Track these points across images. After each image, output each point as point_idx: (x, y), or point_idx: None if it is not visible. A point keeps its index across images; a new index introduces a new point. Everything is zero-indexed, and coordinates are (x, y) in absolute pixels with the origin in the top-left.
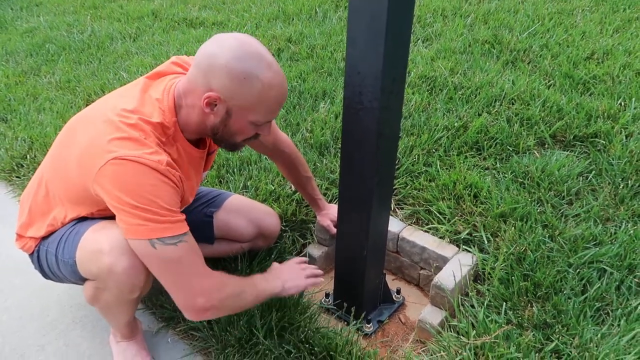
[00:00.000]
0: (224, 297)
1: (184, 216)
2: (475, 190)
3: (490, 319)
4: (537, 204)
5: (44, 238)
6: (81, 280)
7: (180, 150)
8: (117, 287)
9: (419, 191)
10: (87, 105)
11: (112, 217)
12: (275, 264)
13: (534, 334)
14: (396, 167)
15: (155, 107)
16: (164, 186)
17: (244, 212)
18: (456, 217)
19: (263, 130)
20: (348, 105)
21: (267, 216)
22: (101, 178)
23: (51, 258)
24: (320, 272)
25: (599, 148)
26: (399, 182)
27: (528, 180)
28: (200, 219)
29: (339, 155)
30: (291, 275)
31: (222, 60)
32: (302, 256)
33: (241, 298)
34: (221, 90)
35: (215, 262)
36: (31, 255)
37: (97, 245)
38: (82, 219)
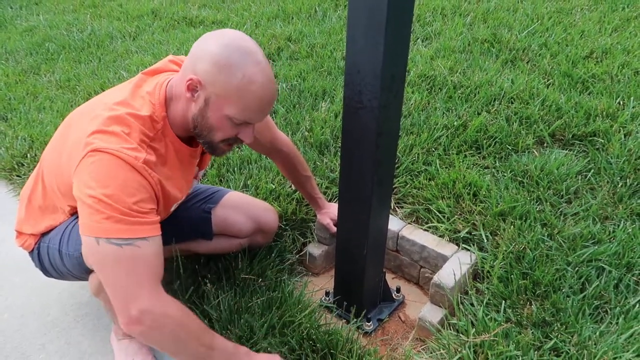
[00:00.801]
0: (162, 324)
1: (152, 219)
2: (475, 189)
3: (489, 317)
4: (536, 202)
5: (44, 234)
6: (85, 273)
7: (169, 146)
8: None
9: (418, 190)
10: None
11: None
12: (260, 356)
13: (533, 332)
14: (396, 166)
15: (146, 101)
16: (136, 184)
17: (242, 207)
18: (456, 216)
19: (243, 134)
20: (348, 104)
21: (266, 212)
22: (78, 169)
23: (54, 253)
24: None
25: (597, 147)
26: (398, 180)
27: (527, 179)
28: (198, 215)
29: (339, 154)
30: None
31: (210, 47)
32: (302, 255)
33: (184, 344)
34: (203, 75)
35: (215, 260)
36: (31, 252)
37: None
38: None
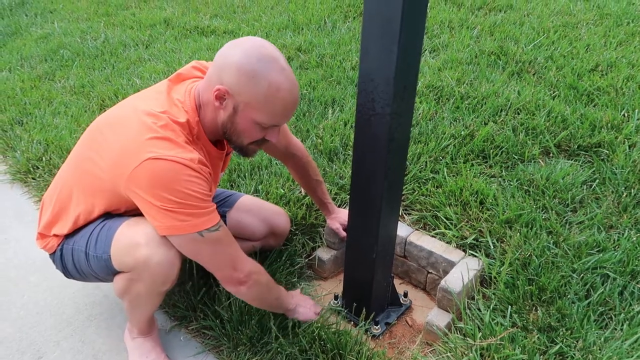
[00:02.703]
0: (258, 279)
1: (214, 205)
2: (482, 196)
3: (495, 321)
4: (542, 211)
5: (68, 236)
6: (110, 275)
7: (203, 150)
8: (151, 278)
9: (426, 197)
10: (101, 109)
11: (139, 214)
12: (297, 291)
13: (538, 337)
14: (405, 173)
15: (180, 108)
16: (198, 180)
17: (255, 211)
18: (462, 223)
19: (270, 135)
20: (361, 111)
21: (278, 215)
22: (136, 177)
23: (79, 255)
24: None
25: (602, 157)
26: (407, 188)
27: (533, 188)
28: None
29: (348, 161)
30: (306, 306)
31: (235, 58)
32: (311, 259)
33: (270, 291)
34: (230, 85)
35: None
36: (53, 254)
37: (134, 239)
38: (108, 216)
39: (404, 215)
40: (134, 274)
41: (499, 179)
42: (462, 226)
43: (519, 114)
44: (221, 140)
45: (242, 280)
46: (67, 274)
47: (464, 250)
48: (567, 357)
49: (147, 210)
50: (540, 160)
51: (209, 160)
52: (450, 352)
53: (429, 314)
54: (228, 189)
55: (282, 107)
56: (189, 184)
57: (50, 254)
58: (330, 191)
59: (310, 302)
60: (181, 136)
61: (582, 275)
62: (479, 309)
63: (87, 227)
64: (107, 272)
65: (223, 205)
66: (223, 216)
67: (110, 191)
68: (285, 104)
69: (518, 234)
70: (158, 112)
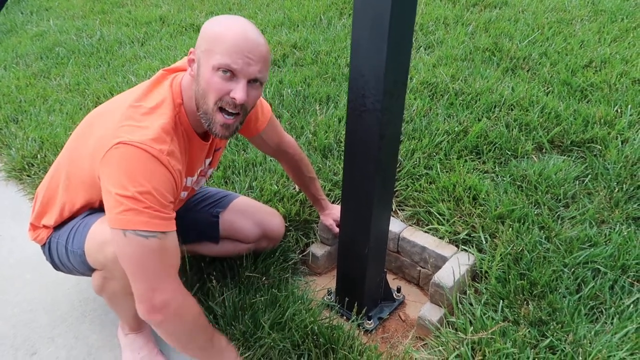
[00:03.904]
0: (178, 313)
1: (170, 215)
2: (475, 192)
3: (487, 316)
4: (534, 206)
5: (55, 229)
6: (89, 270)
7: (183, 134)
8: (123, 276)
9: (419, 193)
10: (96, 107)
11: None
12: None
13: (529, 331)
14: (398, 169)
15: (166, 92)
16: (160, 176)
17: (249, 213)
18: (455, 218)
19: (234, 90)
20: (352, 108)
21: (272, 218)
22: (104, 161)
23: (61, 249)
24: None
25: (595, 153)
26: (400, 184)
27: (526, 183)
28: (206, 219)
29: (342, 157)
30: None
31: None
32: (305, 255)
33: (192, 336)
34: (197, 45)
35: (221, 261)
36: (43, 246)
37: (104, 236)
38: (92, 212)
39: (398, 211)
40: (106, 271)
41: (492, 174)
42: (454, 222)
43: (512, 110)
44: (208, 133)
45: (156, 308)
46: (55, 266)
47: (457, 246)
48: (558, 351)
49: (104, 196)
50: (534, 156)
51: (188, 149)
52: (442, 346)
53: (422, 309)
54: (222, 185)
55: (233, 44)
56: (148, 176)
57: (41, 246)
58: (324, 187)
59: None
60: (157, 123)
61: (573, 269)
62: (470, 304)
63: (71, 221)
64: (85, 268)
65: (217, 206)
66: (216, 217)
67: (89, 180)
68: (239, 41)
69: (510, 229)
70: (140, 99)
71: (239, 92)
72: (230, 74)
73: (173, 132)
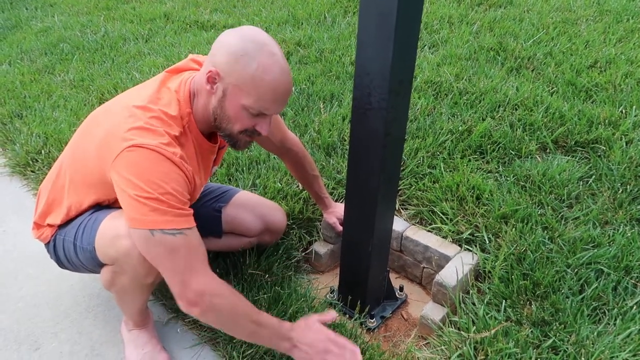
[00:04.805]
0: (213, 303)
1: (190, 211)
2: (478, 192)
3: (490, 315)
4: (538, 206)
5: (61, 227)
6: (98, 267)
7: (194, 141)
8: (133, 271)
9: (423, 192)
10: (100, 103)
11: None
12: (306, 323)
13: (532, 331)
14: (401, 168)
15: (173, 98)
16: (176, 177)
17: (251, 207)
18: (459, 218)
19: (260, 126)
20: (357, 106)
21: (274, 211)
22: (117, 164)
23: (69, 246)
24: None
25: (599, 154)
26: (403, 183)
27: (529, 183)
28: (209, 214)
29: (346, 155)
30: (311, 349)
31: (227, 40)
32: (308, 253)
33: (236, 321)
34: (220, 66)
35: (224, 258)
36: (47, 244)
37: (116, 231)
38: (98, 208)
39: (401, 210)
40: (117, 266)
41: (496, 174)
42: (458, 221)
43: (516, 109)
44: (215, 133)
45: (192, 301)
46: (60, 264)
47: (460, 245)
48: (560, 351)
49: (121, 198)
50: (537, 156)
51: (200, 153)
52: (444, 346)
53: (424, 308)
54: (226, 183)
55: (269, 91)
56: (166, 178)
57: (45, 244)
58: (328, 186)
59: (322, 346)
60: (168, 128)
61: (576, 270)
62: (473, 303)
63: (78, 218)
64: (94, 264)
65: (219, 201)
66: (219, 211)
67: (98, 180)
68: (274, 89)
69: (513, 229)
70: (148, 101)
71: (265, 127)
72: (260, 113)
73: (184, 141)
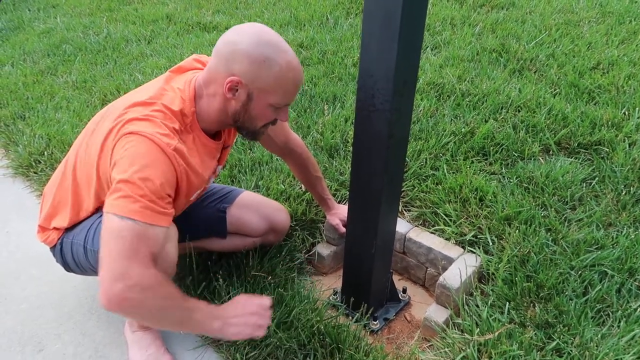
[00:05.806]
0: (145, 297)
1: (169, 210)
2: (481, 193)
3: (493, 317)
4: (541, 208)
5: (68, 230)
6: None
7: (196, 140)
8: None
9: (426, 194)
10: (103, 104)
11: None
12: (238, 298)
13: (535, 333)
14: (404, 169)
15: (177, 96)
16: (164, 167)
17: (255, 207)
18: (462, 220)
19: (281, 115)
20: (361, 107)
21: (278, 212)
22: (115, 152)
23: (78, 249)
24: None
25: (602, 155)
26: (406, 184)
27: (532, 185)
28: (213, 214)
29: (349, 157)
30: (240, 320)
31: (242, 46)
32: (311, 255)
33: (165, 312)
34: (243, 74)
35: (227, 257)
36: (53, 248)
37: None
38: None
39: (404, 211)
40: None
41: (499, 176)
42: (461, 223)
43: (519, 111)
44: (219, 132)
45: (121, 296)
46: (67, 267)
47: (463, 247)
48: (564, 354)
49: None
50: (540, 158)
51: (204, 151)
52: (448, 348)
53: (428, 310)
54: (229, 184)
55: (292, 85)
56: (153, 164)
57: (50, 248)
58: (331, 187)
59: (249, 315)
60: (168, 122)
61: (580, 272)
62: (477, 305)
63: (86, 220)
64: None
65: (224, 201)
66: (223, 212)
67: (103, 179)
68: (296, 81)
69: (517, 230)
70: (151, 97)
71: (286, 116)
72: (285, 106)
73: (185, 137)
